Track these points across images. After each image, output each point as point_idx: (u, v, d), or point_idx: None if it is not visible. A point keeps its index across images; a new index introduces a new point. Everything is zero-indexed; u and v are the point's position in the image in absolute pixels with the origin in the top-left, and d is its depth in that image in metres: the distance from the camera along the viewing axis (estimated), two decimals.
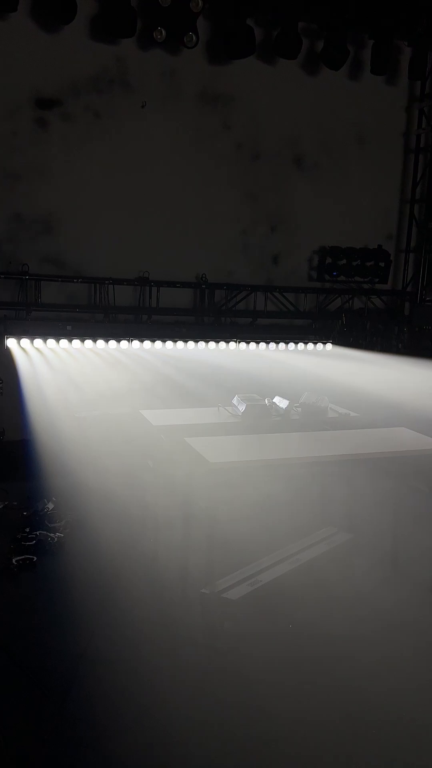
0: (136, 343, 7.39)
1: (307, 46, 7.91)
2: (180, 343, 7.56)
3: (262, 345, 7.95)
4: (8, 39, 6.88)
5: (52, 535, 5.51)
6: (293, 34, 7.63)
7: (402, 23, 8.05)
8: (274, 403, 5.97)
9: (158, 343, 7.48)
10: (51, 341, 7.08)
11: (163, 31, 7.10)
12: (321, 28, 7.86)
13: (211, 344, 7.69)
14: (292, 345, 8.10)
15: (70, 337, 7.17)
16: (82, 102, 7.38)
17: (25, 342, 6.99)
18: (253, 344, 7.91)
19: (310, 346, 8.19)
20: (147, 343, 7.45)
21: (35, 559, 5.17)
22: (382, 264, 8.90)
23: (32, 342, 7.01)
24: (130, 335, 7.43)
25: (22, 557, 5.15)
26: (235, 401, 5.95)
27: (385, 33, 8.02)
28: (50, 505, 5.97)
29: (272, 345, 7.99)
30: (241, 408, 5.78)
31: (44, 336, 7.07)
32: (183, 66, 7.63)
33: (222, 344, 7.75)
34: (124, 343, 7.35)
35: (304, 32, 7.78)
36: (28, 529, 5.57)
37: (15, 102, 7.12)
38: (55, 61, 7.12)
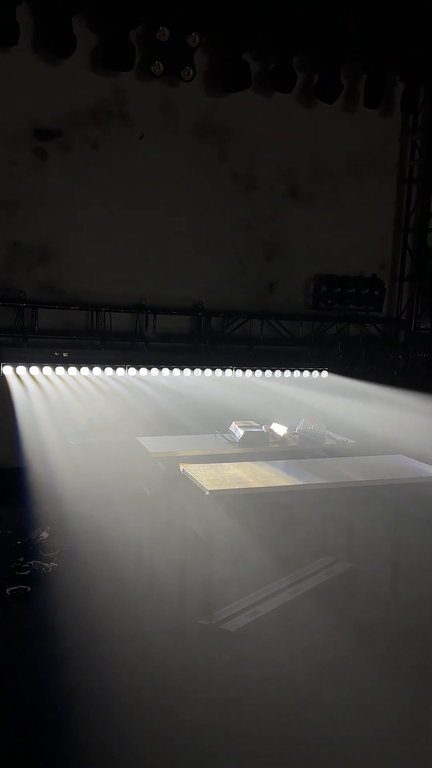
0: (132, 370, 7.38)
1: (302, 80, 8.07)
2: (176, 370, 7.56)
3: (259, 372, 7.96)
4: (9, 71, 6.99)
5: (46, 564, 5.43)
6: (288, 68, 7.79)
7: (395, 58, 8.25)
8: (272, 429, 5.95)
9: (154, 370, 7.47)
10: (47, 368, 7.06)
11: (161, 65, 7.24)
12: (316, 62, 8.04)
13: (208, 371, 7.69)
14: (288, 372, 8.11)
15: (66, 364, 7.15)
16: (81, 133, 7.47)
17: (21, 369, 6.97)
18: (249, 371, 7.91)
19: (306, 373, 8.21)
20: (143, 371, 7.44)
21: (29, 589, 5.09)
22: (376, 292, 8.97)
23: (28, 369, 6.99)
24: (126, 362, 7.42)
25: (16, 587, 5.06)
26: (232, 428, 5.92)
27: (378, 67, 8.21)
28: (44, 534, 5.89)
29: (269, 372, 8.00)
30: (239, 435, 5.75)
31: (40, 363, 7.05)
32: (180, 98, 7.76)
33: (218, 371, 7.76)
34: (120, 371, 7.34)
35: (299, 66, 7.94)
36: (22, 559, 5.49)
37: (14, 132, 7.21)
38: (54, 93, 7.23)
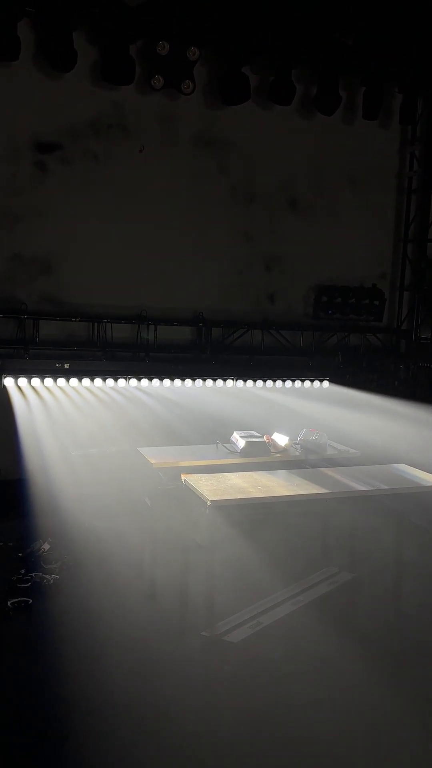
0: (133, 381, 7.38)
1: (300, 93, 8.14)
2: (177, 381, 7.57)
3: (260, 382, 7.96)
4: (10, 85, 7.06)
5: (47, 576, 5.41)
6: (287, 81, 7.86)
7: (393, 70, 8.32)
8: (273, 439, 5.94)
9: (155, 381, 7.48)
10: (48, 380, 7.07)
11: (161, 78, 7.30)
12: (314, 75, 8.10)
13: (209, 381, 7.70)
14: (289, 382, 8.11)
15: (67, 375, 7.16)
16: (82, 146, 7.53)
17: (22, 380, 6.98)
18: (250, 381, 7.92)
19: (308, 383, 8.21)
20: (144, 381, 7.44)
21: (30, 601, 5.06)
22: (377, 302, 8.99)
23: (29, 380, 7.00)
24: (128, 373, 7.43)
25: (18, 599, 5.04)
26: (233, 438, 5.92)
27: (376, 79, 8.28)
28: (46, 546, 5.88)
29: (270, 382, 8.01)
30: (240, 445, 5.75)
31: (42, 374, 7.06)
32: (180, 111, 7.83)
33: (219, 381, 7.76)
34: (121, 381, 7.35)
35: (297, 79, 8.01)
36: (23, 571, 5.47)
37: (16, 145, 7.26)
38: (55, 107, 7.29)
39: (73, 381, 7.15)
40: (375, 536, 5.43)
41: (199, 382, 7.66)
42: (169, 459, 5.49)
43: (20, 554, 5.82)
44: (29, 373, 7.02)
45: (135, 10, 6.98)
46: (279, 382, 8.07)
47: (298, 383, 8.17)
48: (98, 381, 7.26)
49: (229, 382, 7.80)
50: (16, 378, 6.95)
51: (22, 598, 5.06)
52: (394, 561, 5.27)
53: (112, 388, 7.35)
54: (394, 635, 4.82)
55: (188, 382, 7.60)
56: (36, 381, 7.03)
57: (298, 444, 5.99)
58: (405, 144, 9.21)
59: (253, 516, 4.81)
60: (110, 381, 7.30)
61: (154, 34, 7.17)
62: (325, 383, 8.29)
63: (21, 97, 7.15)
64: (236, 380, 7.84)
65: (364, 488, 5.03)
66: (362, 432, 6.74)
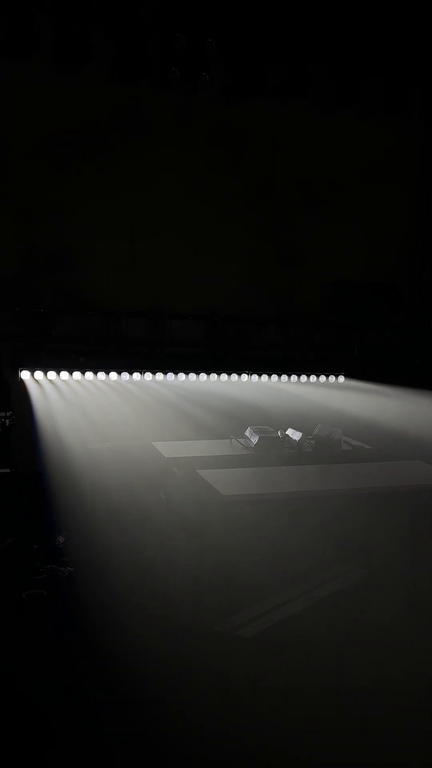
0: (148, 374, 7.40)
1: (318, 87, 8.07)
2: (192, 375, 7.58)
3: (275, 377, 7.94)
4: (27, 80, 7.09)
5: (62, 569, 5.46)
6: (305, 74, 7.80)
7: (413, 65, 8.21)
8: (287, 435, 5.93)
9: (170, 375, 7.49)
10: (64, 373, 7.11)
11: (178, 72, 7.30)
12: (333, 68, 8.03)
13: (224, 376, 7.70)
14: (304, 377, 8.08)
15: (83, 369, 7.20)
16: (98, 141, 7.55)
17: (38, 374, 7.03)
18: (265, 376, 7.90)
19: (323, 378, 8.17)
20: (159, 375, 7.46)
21: (45, 593, 5.11)
22: (394, 298, 8.92)
23: (45, 374, 7.05)
24: (142, 367, 7.45)
25: (32, 591, 5.09)
26: (247, 433, 5.92)
27: (395, 73, 8.18)
28: (61, 539, 5.92)
29: (284, 377, 7.98)
30: (254, 440, 5.74)
31: (58, 368, 7.11)
32: (197, 105, 7.82)
33: (234, 376, 7.76)
34: (136, 375, 7.37)
35: (316, 72, 7.94)
36: (38, 563, 5.52)
37: (33, 141, 7.31)
38: (72, 101, 7.32)
39: (89, 375, 7.19)
40: (389, 533, 5.40)
41: (213, 376, 7.66)
42: (183, 453, 5.50)
43: (36, 547, 5.86)
44: (45, 367, 7.07)
45: (151, 4, 6.97)
46: (294, 377, 8.05)
47: (313, 378, 8.13)
48: (113, 375, 7.29)
49: (244, 377, 7.79)
50: (32, 372, 7.00)
51: (37, 590, 5.11)
52: (408, 558, 5.24)
53: (127, 382, 7.38)
54: (409, 633, 4.79)
55: (203, 376, 7.60)
56: (52, 374, 7.08)
57: (312, 439, 5.97)
58: (426, 138, 9.09)
59: (266, 511, 4.80)
60: (125, 375, 7.33)
61: (170, 28, 7.15)
62: (341, 378, 8.24)
63: (38, 92, 7.19)
64: (251, 375, 7.83)
65: (378, 484, 5.01)
66: (378, 428, 6.70)
